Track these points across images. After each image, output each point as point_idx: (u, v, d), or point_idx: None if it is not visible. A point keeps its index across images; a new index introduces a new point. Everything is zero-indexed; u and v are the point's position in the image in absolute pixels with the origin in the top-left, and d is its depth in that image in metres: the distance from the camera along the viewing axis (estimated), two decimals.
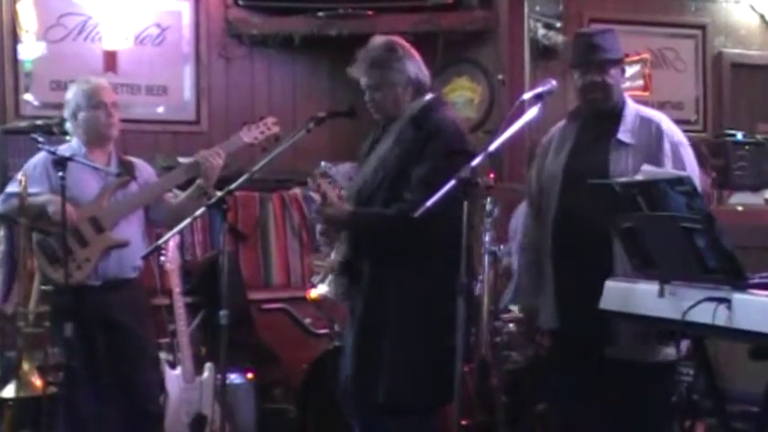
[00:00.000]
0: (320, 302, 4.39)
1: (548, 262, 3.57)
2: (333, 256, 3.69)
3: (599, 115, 3.56)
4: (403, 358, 3.58)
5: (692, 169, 3.41)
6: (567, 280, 3.46)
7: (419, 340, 3.58)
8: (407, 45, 3.70)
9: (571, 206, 3.49)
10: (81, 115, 4.15)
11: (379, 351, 3.62)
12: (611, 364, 3.32)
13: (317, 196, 3.61)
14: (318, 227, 3.78)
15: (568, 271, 3.46)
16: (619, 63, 3.56)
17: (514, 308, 4.72)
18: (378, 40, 3.72)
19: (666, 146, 3.44)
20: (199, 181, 4.12)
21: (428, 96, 3.70)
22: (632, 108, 3.55)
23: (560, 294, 3.49)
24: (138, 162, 4.33)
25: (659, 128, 3.48)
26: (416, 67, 3.67)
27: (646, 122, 3.50)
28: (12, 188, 4.10)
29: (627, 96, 3.62)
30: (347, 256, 3.62)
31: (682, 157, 3.44)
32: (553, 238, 3.55)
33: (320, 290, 3.84)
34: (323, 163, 3.67)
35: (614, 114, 3.52)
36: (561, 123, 3.75)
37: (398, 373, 3.60)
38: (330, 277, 3.71)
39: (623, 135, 3.47)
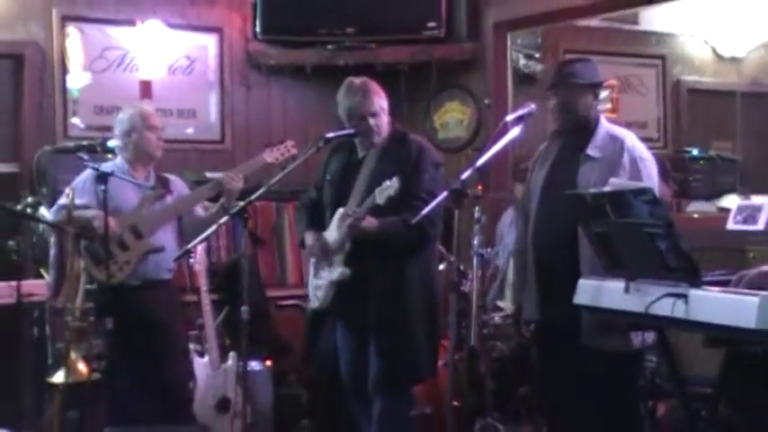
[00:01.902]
0: None
1: (530, 263, 3.57)
2: (326, 276, 3.75)
3: (575, 133, 3.55)
4: (409, 342, 3.65)
5: (653, 181, 3.39)
6: (547, 278, 3.45)
7: (424, 325, 3.73)
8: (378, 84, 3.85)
9: (547, 214, 3.49)
10: (134, 135, 4.17)
11: (384, 337, 3.65)
12: (585, 352, 3.31)
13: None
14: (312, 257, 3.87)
15: (547, 271, 3.46)
16: (589, 87, 3.54)
17: (501, 303, 4.73)
18: (357, 79, 3.84)
19: (625, 160, 3.41)
20: (222, 200, 4.15)
21: (397, 126, 3.86)
22: (604, 127, 3.54)
23: (541, 291, 3.49)
24: (173, 178, 4.35)
25: (622, 144, 3.46)
26: (386, 103, 3.83)
27: (613, 139, 3.49)
28: (61, 201, 4.10)
29: (602, 116, 3.59)
30: (344, 274, 3.66)
31: (639, 170, 3.41)
32: (533, 242, 3.55)
33: (313, 304, 3.89)
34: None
35: (587, 132, 3.51)
36: (546, 142, 3.75)
37: (404, 354, 3.66)
38: (322, 292, 3.77)
39: (591, 150, 3.46)
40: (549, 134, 3.73)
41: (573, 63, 3.66)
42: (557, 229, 3.38)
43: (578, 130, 3.53)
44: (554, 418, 3.71)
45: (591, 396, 3.34)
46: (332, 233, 3.74)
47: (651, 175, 3.44)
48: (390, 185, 3.51)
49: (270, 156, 4.19)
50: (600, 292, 2.98)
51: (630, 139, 3.51)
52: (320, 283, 3.79)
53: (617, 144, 3.46)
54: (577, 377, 3.38)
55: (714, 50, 6.65)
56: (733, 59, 6.68)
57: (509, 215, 4.98)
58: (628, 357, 3.35)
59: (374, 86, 3.81)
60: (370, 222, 3.60)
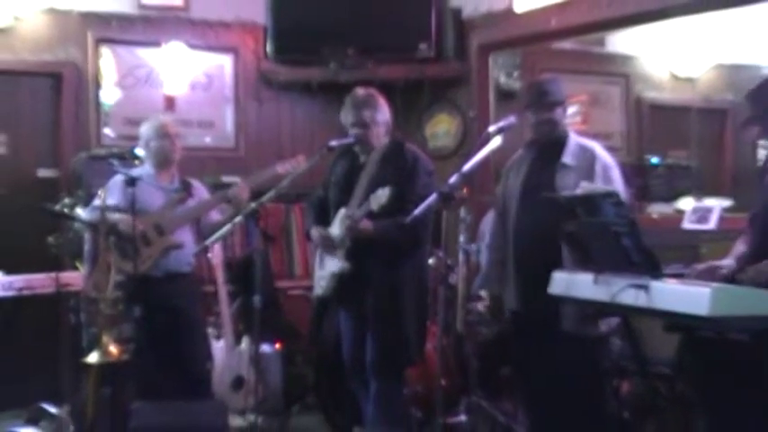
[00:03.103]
0: None
1: (510, 259, 3.57)
2: (328, 267, 3.75)
3: (548, 144, 3.56)
4: (401, 332, 3.65)
5: (618, 186, 3.40)
6: (525, 272, 3.46)
7: (415, 316, 3.73)
8: (382, 97, 3.81)
9: (527, 215, 3.50)
10: (152, 144, 4.18)
11: (380, 326, 3.65)
12: (559, 336, 3.32)
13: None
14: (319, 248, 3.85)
15: (525, 265, 3.46)
16: (562, 104, 3.56)
17: (483, 293, 4.73)
18: (363, 90, 3.82)
19: (598, 168, 3.43)
20: (232, 210, 4.14)
21: (395, 135, 3.84)
22: (573, 138, 3.55)
23: (520, 283, 3.49)
24: (196, 183, 4.35)
25: (594, 153, 3.48)
26: (388, 113, 3.79)
27: (583, 149, 3.50)
28: (95, 202, 4.11)
29: (570, 129, 3.62)
30: (345, 267, 3.66)
31: (610, 176, 3.43)
32: (513, 240, 3.55)
33: (318, 292, 3.89)
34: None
35: (560, 143, 3.52)
36: (520, 151, 3.75)
37: (396, 342, 3.65)
38: (325, 282, 3.77)
39: (566, 159, 3.47)
40: (524, 144, 3.74)
41: (548, 83, 3.65)
42: (535, 228, 3.39)
43: (551, 141, 3.54)
44: (531, 395, 3.71)
45: (563, 375, 3.35)
46: (335, 229, 3.75)
47: (618, 180, 3.46)
48: (382, 194, 3.51)
49: (282, 167, 4.18)
50: (572, 283, 2.99)
51: (599, 149, 3.53)
52: (324, 273, 3.79)
53: (588, 153, 3.47)
54: (552, 359, 3.38)
55: (671, 71, 6.66)
56: (688, 79, 6.69)
57: (491, 215, 4.98)
58: (596, 341, 3.36)
59: (375, 99, 3.79)
60: (366, 225, 3.60)
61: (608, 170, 3.45)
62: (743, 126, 2.94)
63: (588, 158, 3.46)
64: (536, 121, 3.54)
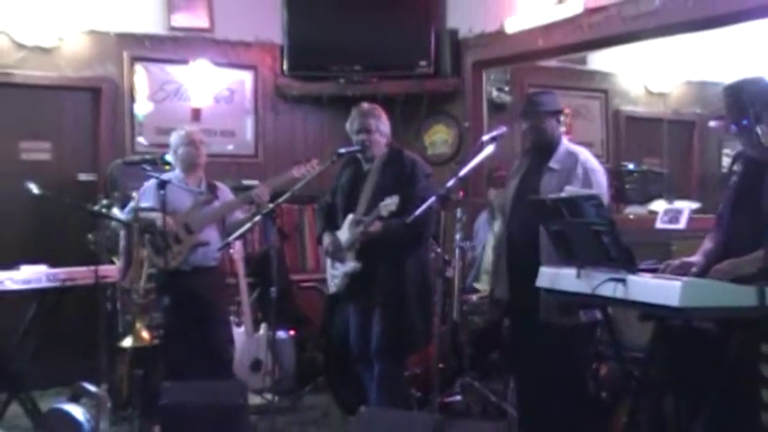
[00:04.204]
0: None
1: (503, 254, 3.56)
2: (341, 268, 3.75)
3: (541, 150, 3.52)
4: (406, 319, 3.65)
5: (600, 188, 3.36)
6: (516, 266, 3.44)
7: (418, 306, 3.71)
8: (383, 112, 3.82)
9: (517, 216, 3.48)
10: (180, 151, 4.19)
11: (385, 316, 3.65)
12: (545, 325, 3.30)
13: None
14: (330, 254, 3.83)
15: (516, 261, 3.44)
16: (552, 114, 3.51)
17: (477, 285, 4.72)
18: (367, 105, 3.83)
19: (579, 171, 3.38)
20: (253, 209, 4.15)
21: (393, 144, 3.83)
22: (564, 145, 3.50)
23: (511, 276, 3.47)
24: (222, 186, 4.34)
25: (577, 158, 3.43)
26: (388, 126, 3.80)
27: (570, 154, 3.46)
28: (131, 204, 4.12)
29: (563, 136, 3.55)
30: (355, 268, 3.66)
31: (590, 179, 3.38)
32: (506, 238, 3.53)
33: (331, 290, 3.89)
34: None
35: (550, 149, 3.48)
36: (518, 158, 3.73)
37: (401, 329, 3.65)
38: (338, 280, 3.77)
39: (552, 164, 3.43)
40: (522, 151, 3.72)
41: (539, 95, 3.61)
42: (524, 227, 3.38)
43: (544, 147, 3.49)
44: (519, 376, 3.70)
45: (549, 360, 3.34)
46: (344, 233, 3.73)
47: (600, 183, 3.42)
48: (391, 202, 3.52)
49: (297, 171, 4.18)
50: (557, 277, 2.97)
51: (584, 154, 3.48)
52: (336, 273, 3.78)
53: (572, 158, 3.43)
54: (539, 345, 3.37)
55: (645, 87, 6.65)
56: (660, 94, 6.69)
57: (484, 215, 4.97)
58: (578, 330, 3.34)
59: (376, 111, 3.79)
60: (376, 226, 3.60)
61: (588, 173, 3.40)
62: (714, 119, 2.86)
63: (573, 163, 3.42)
64: (525, 128, 3.52)
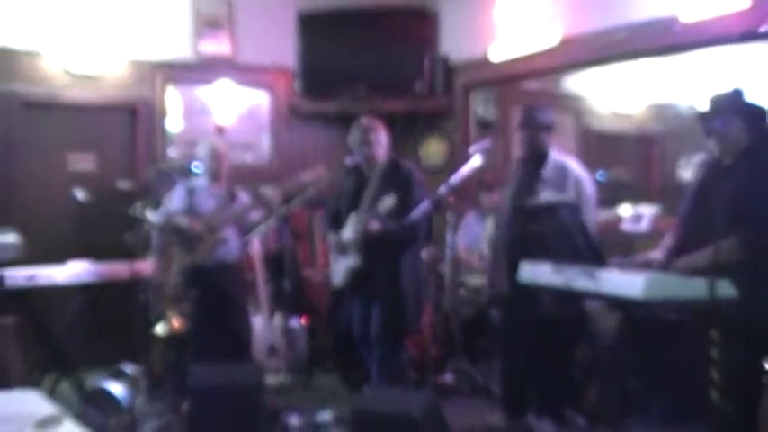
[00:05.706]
0: None
1: (502, 253, 3.53)
2: (344, 264, 3.73)
3: (533, 160, 3.50)
4: (401, 307, 3.63)
5: (588, 196, 3.35)
6: (513, 262, 3.40)
7: (412, 296, 3.69)
8: (382, 125, 3.78)
9: (513, 220, 3.46)
10: (206, 161, 4.18)
11: (383, 305, 3.64)
12: (540, 315, 3.28)
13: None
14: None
15: (513, 257, 3.41)
16: (545, 128, 3.48)
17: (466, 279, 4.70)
18: (366, 120, 3.80)
19: (570, 181, 3.37)
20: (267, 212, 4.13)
21: (391, 155, 3.80)
22: (553, 156, 3.49)
23: (509, 272, 3.43)
24: (241, 193, 4.32)
25: (567, 168, 3.42)
26: (386, 138, 3.77)
27: (559, 165, 3.44)
28: (162, 208, 4.12)
29: (551, 148, 3.54)
30: (356, 263, 3.64)
31: (581, 188, 3.38)
32: (506, 237, 3.51)
33: (337, 283, 3.86)
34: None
35: (542, 159, 3.46)
36: (513, 167, 3.71)
37: (397, 315, 3.64)
38: (341, 275, 3.76)
39: (544, 173, 3.42)
40: (516, 161, 3.70)
41: (530, 109, 3.56)
42: (519, 228, 3.36)
43: (536, 157, 3.48)
44: (510, 357, 3.65)
45: (537, 343, 3.34)
46: (347, 233, 3.73)
47: (588, 192, 3.40)
48: (388, 200, 3.52)
49: (306, 176, 4.18)
50: (536, 272, 2.96)
51: (572, 164, 3.46)
52: (340, 268, 3.77)
53: (562, 168, 3.42)
54: (530, 330, 3.37)
55: (612, 108, 6.65)
56: (626, 115, 6.68)
57: (471, 216, 4.96)
58: (560, 319, 3.32)
59: (374, 124, 3.77)
60: (375, 226, 3.59)
61: (579, 184, 3.39)
62: (697, 120, 2.80)
63: (562, 173, 3.40)
64: (519, 138, 3.51)
